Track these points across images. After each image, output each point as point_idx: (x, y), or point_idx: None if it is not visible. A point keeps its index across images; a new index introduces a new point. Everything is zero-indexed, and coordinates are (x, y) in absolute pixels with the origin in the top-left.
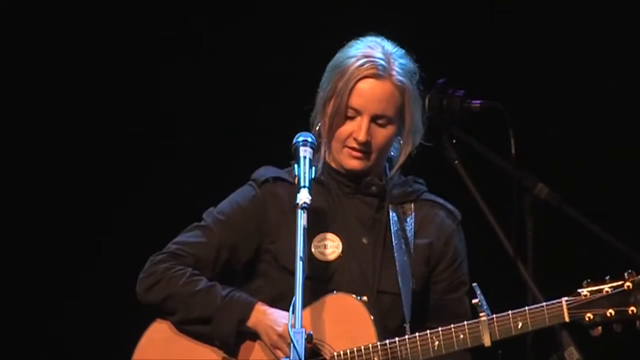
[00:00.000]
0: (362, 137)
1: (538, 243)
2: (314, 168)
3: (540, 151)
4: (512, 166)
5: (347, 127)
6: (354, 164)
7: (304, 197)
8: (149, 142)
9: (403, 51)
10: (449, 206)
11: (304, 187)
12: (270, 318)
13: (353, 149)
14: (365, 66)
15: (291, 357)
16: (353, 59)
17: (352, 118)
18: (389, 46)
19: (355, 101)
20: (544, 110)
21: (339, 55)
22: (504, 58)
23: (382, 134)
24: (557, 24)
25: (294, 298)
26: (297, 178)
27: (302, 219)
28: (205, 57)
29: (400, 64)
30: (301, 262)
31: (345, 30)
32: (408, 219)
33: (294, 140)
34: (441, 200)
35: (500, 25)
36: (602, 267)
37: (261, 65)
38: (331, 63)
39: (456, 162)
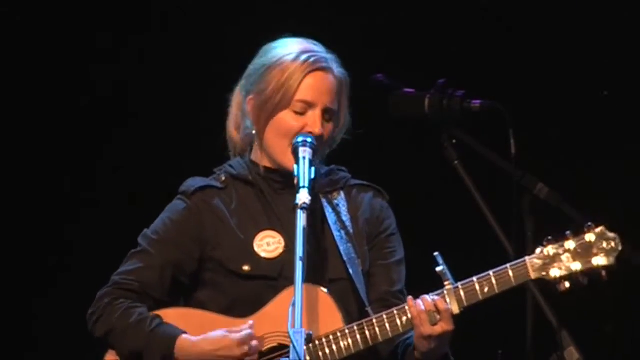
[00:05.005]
0: (318, 130)
1: (538, 243)
2: (313, 168)
3: (540, 151)
4: (512, 166)
5: (297, 123)
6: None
7: (303, 197)
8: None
9: None
10: (376, 186)
11: (304, 187)
12: (196, 350)
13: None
14: (311, 60)
15: (291, 357)
16: (292, 55)
17: (301, 113)
18: (311, 42)
19: (306, 95)
20: (544, 110)
21: (269, 56)
22: (504, 58)
23: (327, 128)
24: (557, 24)
25: (293, 298)
26: (296, 178)
27: (302, 219)
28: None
29: (332, 57)
30: (301, 262)
31: (346, 28)
32: (341, 206)
33: (294, 141)
34: (367, 183)
35: (500, 25)
36: None
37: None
38: (260, 64)
39: (456, 162)
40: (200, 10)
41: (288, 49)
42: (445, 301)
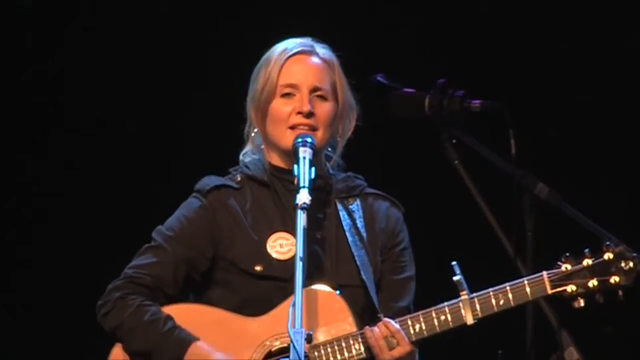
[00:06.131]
0: (306, 107)
1: (538, 243)
2: (313, 168)
3: (540, 151)
4: (512, 166)
5: (287, 107)
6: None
7: (303, 197)
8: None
9: None
10: (392, 198)
11: (304, 187)
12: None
13: (299, 125)
14: (290, 47)
15: (291, 357)
16: (275, 52)
17: (289, 96)
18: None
19: (289, 77)
20: (544, 110)
21: (259, 63)
22: (504, 58)
23: (323, 107)
24: (557, 24)
25: (293, 298)
26: (296, 178)
27: (302, 220)
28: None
29: (322, 45)
30: (301, 263)
31: (348, 28)
32: (356, 213)
33: (294, 141)
34: (383, 193)
35: (500, 25)
36: None
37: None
38: (254, 72)
39: (456, 162)
40: (199, 11)
41: (273, 48)
42: (394, 323)
